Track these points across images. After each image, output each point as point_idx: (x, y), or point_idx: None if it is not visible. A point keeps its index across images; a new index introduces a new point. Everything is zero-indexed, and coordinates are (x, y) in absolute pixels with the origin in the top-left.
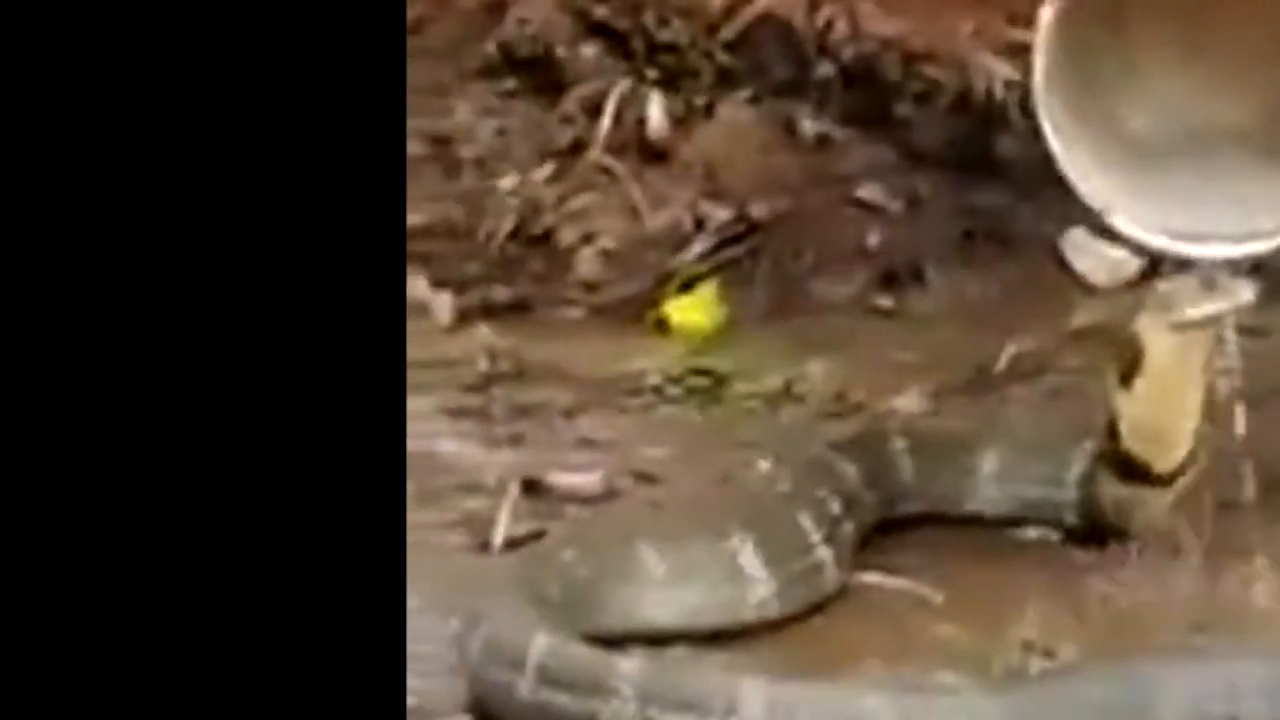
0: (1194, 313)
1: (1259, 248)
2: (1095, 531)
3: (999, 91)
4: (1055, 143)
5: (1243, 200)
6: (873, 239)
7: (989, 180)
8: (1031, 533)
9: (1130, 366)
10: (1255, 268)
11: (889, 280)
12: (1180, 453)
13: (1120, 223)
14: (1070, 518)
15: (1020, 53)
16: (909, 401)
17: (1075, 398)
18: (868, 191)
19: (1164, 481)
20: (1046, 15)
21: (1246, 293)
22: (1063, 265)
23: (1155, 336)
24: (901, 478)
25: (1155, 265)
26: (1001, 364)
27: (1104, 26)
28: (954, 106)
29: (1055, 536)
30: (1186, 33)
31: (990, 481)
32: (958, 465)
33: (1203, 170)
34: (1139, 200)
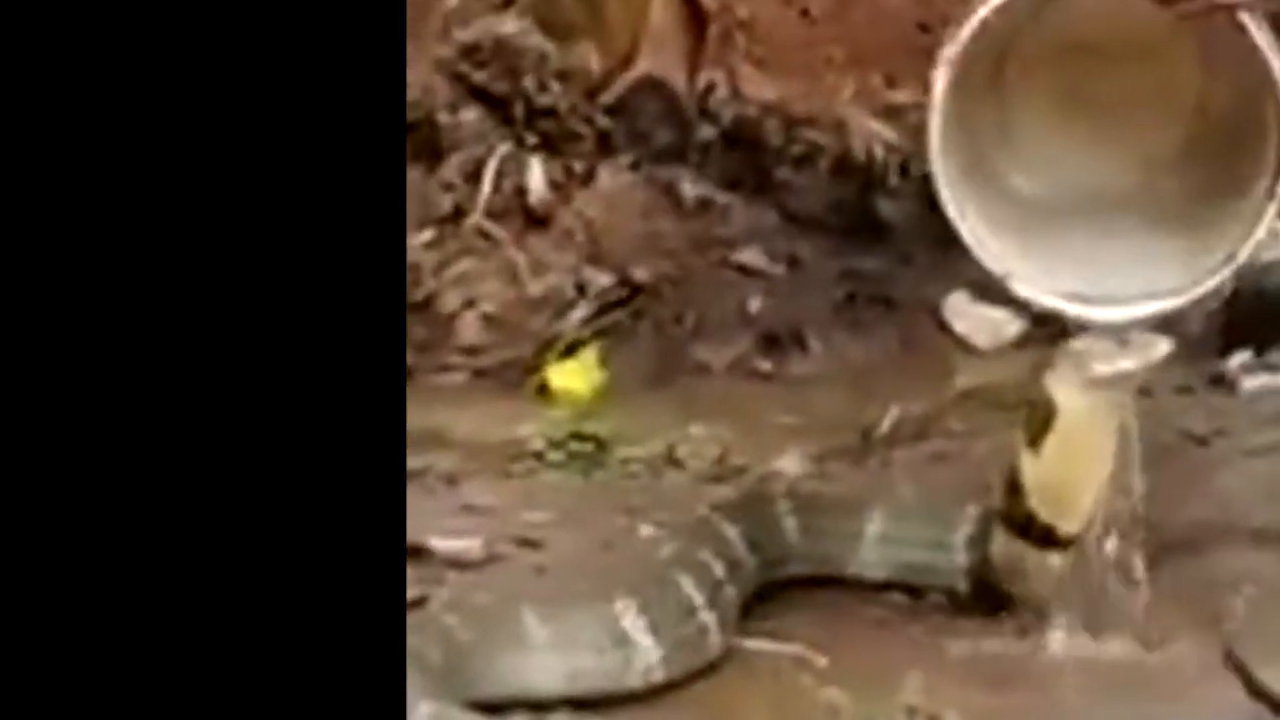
0: (1108, 370)
1: (1157, 308)
2: (981, 595)
3: (879, 154)
4: (952, 209)
5: (1137, 261)
6: (754, 303)
7: (870, 243)
8: (915, 597)
9: (1040, 425)
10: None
11: (770, 344)
12: (1083, 515)
13: (1019, 288)
14: (958, 581)
15: (899, 115)
16: (791, 465)
17: (959, 461)
18: (749, 255)
19: (1063, 544)
20: (939, 82)
21: (1162, 348)
22: (944, 328)
23: (1067, 395)
24: (786, 541)
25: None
26: (884, 427)
27: (987, 90)
28: (834, 170)
29: (940, 600)
30: (1065, 94)
31: (875, 545)
32: (842, 528)
33: (1095, 231)
34: (1034, 264)
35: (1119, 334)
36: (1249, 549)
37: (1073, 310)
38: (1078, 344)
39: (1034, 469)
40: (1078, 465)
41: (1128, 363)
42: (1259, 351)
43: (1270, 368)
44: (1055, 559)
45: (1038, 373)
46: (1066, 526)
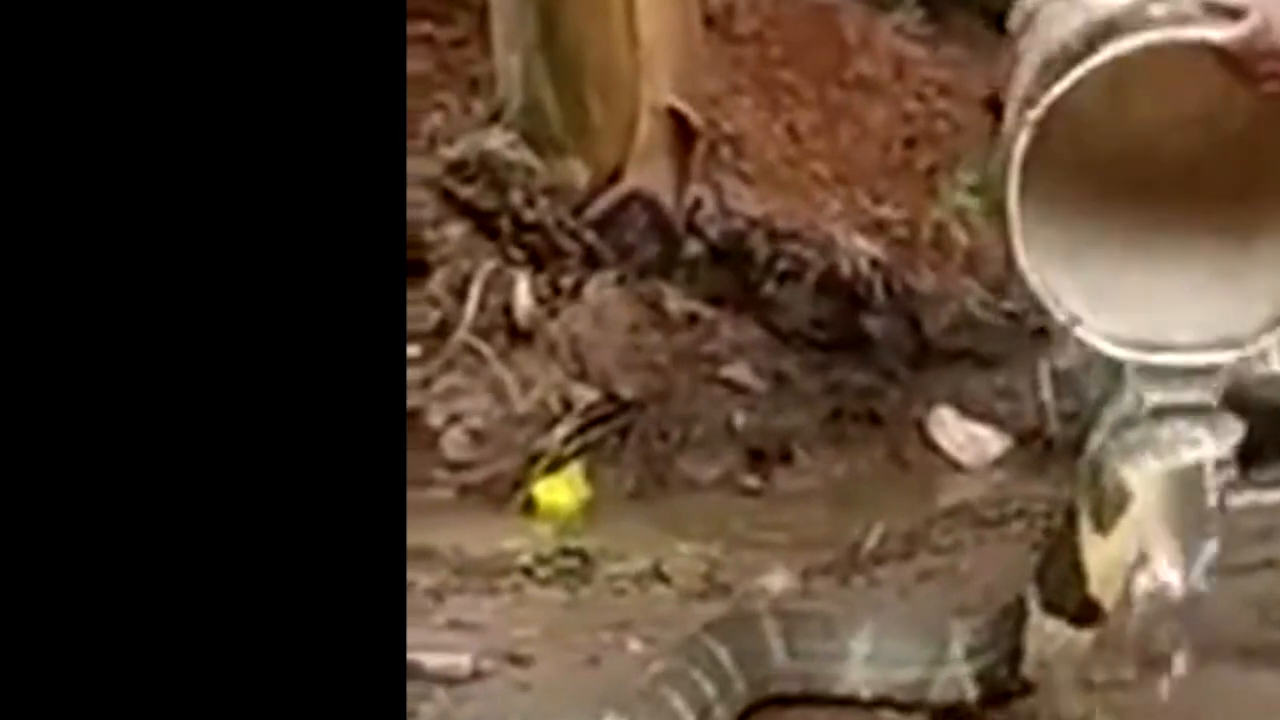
0: (1190, 456)
1: (1227, 356)
2: (991, 700)
3: (865, 270)
4: (1022, 257)
5: (1193, 306)
6: (740, 418)
7: (856, 359)
8: (904, 713)
9: (1114, 511)
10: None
11: (756, 459)
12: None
13: (1085, 334)
14: (963, 691)
15: (885, 230)
16: (777, 582)
17: (946, 577)
18: (735, 370)
19: (1099, 620)
20: (1023, 136)
21: (1236, 431)
22: (930, 444)
23: (1143, 481)
24: (773, 661)
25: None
26: (870, 543)
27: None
28: (820, 285)
29: (923, 718)
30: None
31: (862, 664)
32: (830, 648)
33: (1153, 275)
34: (1101, 312)
35: (1201, 418)
36: (1236, 668)
37: (1138, 356)
38: (1159, 430)
39: (1100, 552)
40: (1135, 544)
41: (1208, 448)
42: (1244, 469)
43: (1256, 485)
44: (1087, 635)
45: (1106, 459)
46: (1109, 603)
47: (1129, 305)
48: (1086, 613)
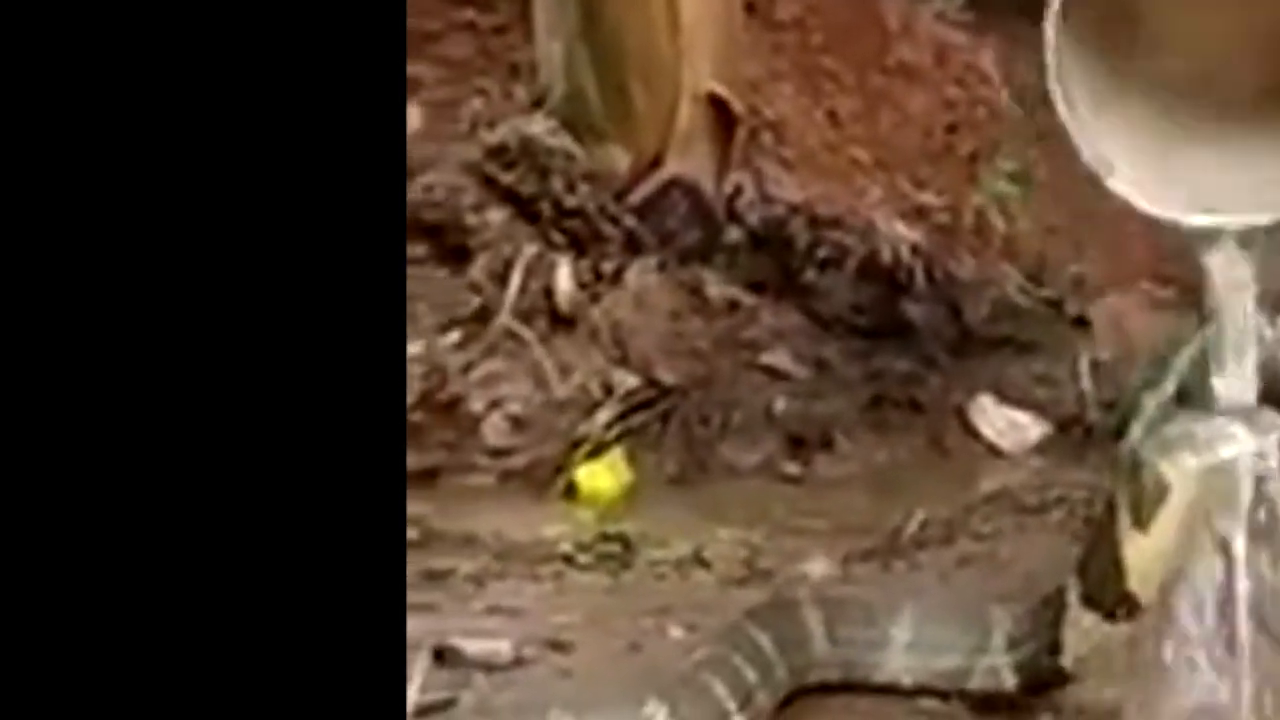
0: (1229, 453)
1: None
2: (1032, 689)
3: (905, 256)
4: (1058, 98)
5: (1248, 178)
6: (780, 405)
7: (896, 345)
8: (945, 701)
9: (1153, 506)
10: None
11: (797, 446)
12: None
13: (1116, 185)
14: (1002, 681)
15: (926, 216)
16: (818, 568)
17: (986, 564)
18: (775, 357)
19: (1135, 615)
20: None
21: (1277, 426)
22: (970, 430)
23: (1182, 477)
24: (814, 649)
25: (1065, 428)
26: (911, 530)
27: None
28: (861, 272)
29: (966, 706)
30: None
31: (903, 652)
32: (870, 636)
33: (1211, 140)
34: (1140, 167)
35: (1241, 415)
36: None
37: (1168, 215)
38: (1198, 427)
39: (1139, 547)
40: (1172, 537)
41: (1249, 443)
42: None
43: None
44: (1123, 629)
45: (1145, 455)
46: (1147, 597)
47: (1172, 170)
48: (1123, 607)
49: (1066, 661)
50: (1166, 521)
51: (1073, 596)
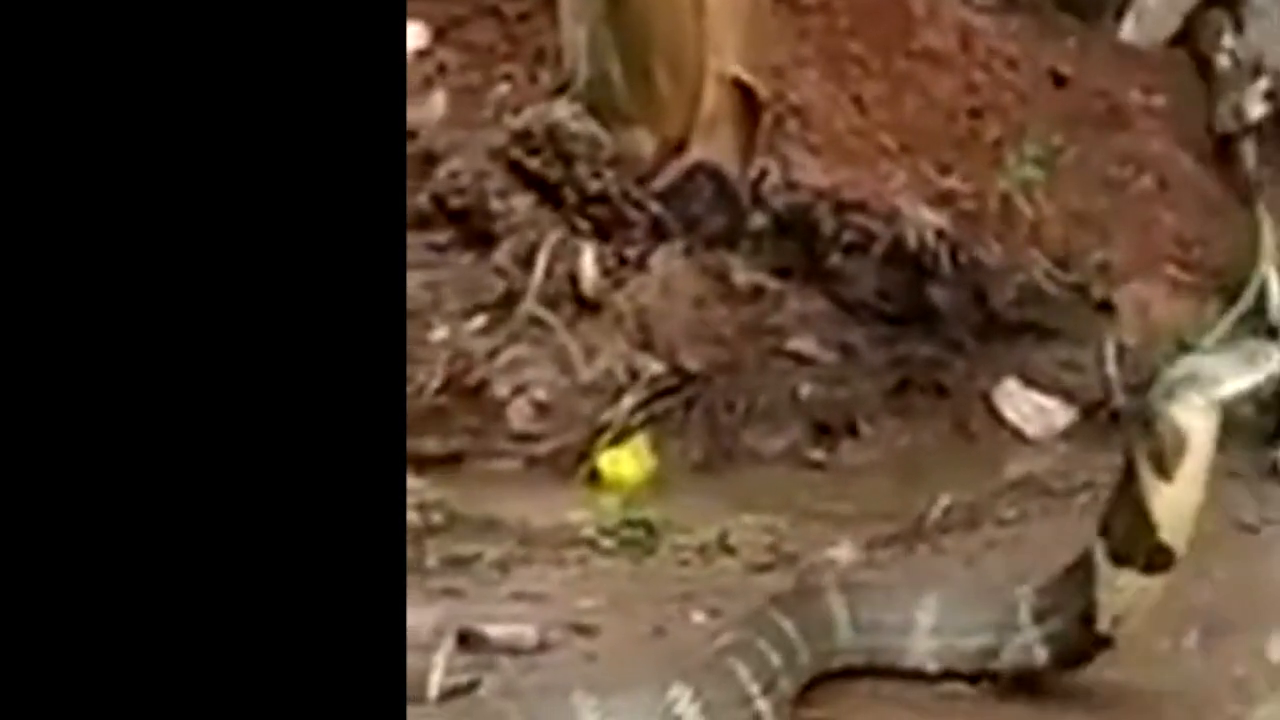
0: (1236, 386)
1: None
2: (1063, 660)
3: (931, 241)
4: None
5: None
6: (805, 390)
7: (921, 331)
8: (971, 683)
9: (1174, 455)
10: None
11: (822, 432)
12: (1190, 531)
13: None
14: (1033, 656)
15: (951, 201)
16: (843, 553)
17: (1011, 548)
18: (800, 342)
19: (1170, 566)
20: None
21: (1275, 359)
22: (995, 416)
23: (1192, 419)
24: (839, 634)
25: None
26: (935, 515)
27: None
28: (886, 257)
29: (989, 688)
30: None
31: (928, 636)
32: (895, 621)
33: None
34: None
35: (1242, 348)
36: None
37: None
38: (1202, 363)
39: (1166, 498)
40: (1201, 485)
41: (1254, 376)
42: None
43: None
44: (1160, 581)
45: (1156, 406)
46: (1180, 547)
47: None
48: (1159, 560)
49: (1103, 624)
50: (1191, 469)
51: (1100, 557)
